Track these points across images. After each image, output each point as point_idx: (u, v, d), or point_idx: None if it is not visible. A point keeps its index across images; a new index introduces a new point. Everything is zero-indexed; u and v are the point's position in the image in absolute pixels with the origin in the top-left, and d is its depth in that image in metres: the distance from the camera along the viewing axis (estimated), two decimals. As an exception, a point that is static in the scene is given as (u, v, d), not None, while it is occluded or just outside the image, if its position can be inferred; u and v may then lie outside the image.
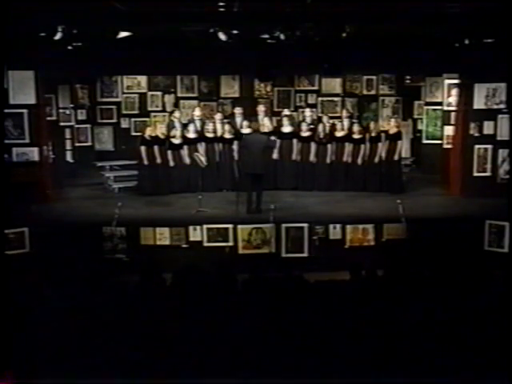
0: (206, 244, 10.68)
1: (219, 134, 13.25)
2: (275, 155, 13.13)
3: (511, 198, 10.11)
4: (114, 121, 16.23)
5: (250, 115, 13.87)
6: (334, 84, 15.91)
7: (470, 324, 5.90)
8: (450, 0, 9.55)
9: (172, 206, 12.02)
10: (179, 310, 6.27)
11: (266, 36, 10.89)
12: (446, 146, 13.94)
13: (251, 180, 11.47)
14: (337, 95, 15.99)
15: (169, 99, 16.03)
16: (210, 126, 13.25)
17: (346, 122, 13.48)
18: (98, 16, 10.09)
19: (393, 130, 13.06)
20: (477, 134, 12.38)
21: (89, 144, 15.85)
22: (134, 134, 15.78)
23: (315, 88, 15.98)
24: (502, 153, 12.27)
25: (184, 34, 11.01)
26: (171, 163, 12.88)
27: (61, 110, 14.50)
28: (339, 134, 13.24)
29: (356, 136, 13.09)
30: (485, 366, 5.29)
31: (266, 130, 13.07)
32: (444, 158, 13.72)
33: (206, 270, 7.70)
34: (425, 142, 15.04)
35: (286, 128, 13.39)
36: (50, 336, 5.67)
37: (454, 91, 13.48)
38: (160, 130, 13.13)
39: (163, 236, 10.65)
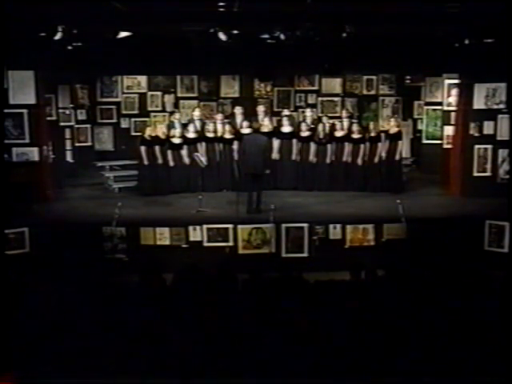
0: (206, 244, 10.68)
1: (219, 134, 13.25)
2: (275, 155, 13.13)
3: (511, 197, 10.11)
4: (114, 121, 16.22)
5: (250, 115, 13.87)
6: (334, 84, 15.91)
7: (470, 324, 5.90)
8: (450, 0, 9.55)
9: (172, 206, 12.01)
10: (179, 309, 6.27)
11: (266, 36, 10.89)
12: (446, 146, 13.93)
13: (251, 180, 11.46)
14: (337, 95, 15.98)
15: (169, 99, 16.02)
16: (210, 126, 13.27)
17: (345, 122, 13.48)
18: (97, 16, 10.08)
19: (393, 130, 13.06)
20: (477, 134, 12.38)
21: (89, 144, 15.84)
22: (134, 134, 15.77)
23: (315, 88, 15.97)
24: (502, 153, 12.27)
25: (184, 34, 11.01)
26: (171, 163, 12.89)
27: (61, 110, 14.48)
28: (339, 134, 13.24)
29: (356, 136, 13.09)
30: (485, 365, 5.29)
31: (265, 130, 13.07)
32: (444, 158, 13.71)
33: (206, 270, 7.71)
34: (425, 142, 15.04)
35: (286, 128, 13.39)
36: (49, 336, 5.67)
37: (454, 91, 13.47)
38: (160, 130, 13.13)
39: (163, 236, 10.64)
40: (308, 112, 14.13)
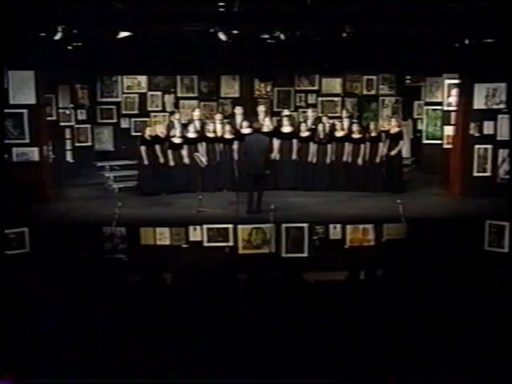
0: (206, 244, 10.68)
1: (219, 134, 13.25)
2: (275, 155, 13.12)
3: (511, 197, 10.11)
4: (114, 121, 16.23)
5: (250, 115, 13.87)
6: (334, 84, 15.92)
7: (470, 324, 5.90)
8: (450, 0, 9.56)
9: (172, 206, 12.01)
10: (179, 310, 6.27)
11: (266, 36, 10.89)
12: (446, 146, 13.93)
13: (253, 180, 11.44)
14: (337, 95, 15.99)
15: (169, 99, 16.03)
16: (210, 126, 13.28)
17: (345, 122, 13.48)
18: (98, 16, 10.09)
19: (393, 130, 13.06)
20: (477, 134, 12.38)
21: (89, 144, 15.85)
22: (134, 133, 15.78)
23: (315, 88, 15.99)
24: (502, 153, 12.27)
25: (184, 34, 11.01)
26: (171, 163, 12.89)
27: (61, 110, 14.50)
28: (339, 134, 13.24)
29: (356, 136, 13.10)
30: (485, 365, 5.29)
31: (266, 130, 13.06)
32: (444, 158, 13.71)
33: (206, 270, 7.70)
34: (425, 141, 15.05)
35: (286, 128, 13.39)
36: (49, 336, 5.67)
37: (454, 91, 13.47)
38: (159, 130, 13.14)
39: (163, 236, 10.64)
40: (310, 112, 14.16)
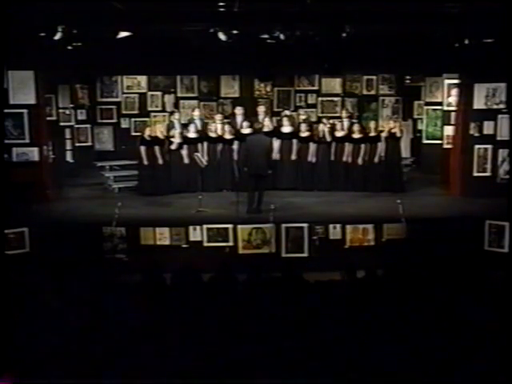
0: (205, 244, 10.68)
1: (219, 134, 13.25)
2: (275, 155, 13.12)
3: (511, 197, 10.11)
4: (114, 121, 16.23)
5: (250, 115, 13.87)
6: (334, 84, 15.92)
7: (469, 324, 5.90)
8: (450, 0, 9.57)
9: (172, 206, 12.01)
10: (179, 309, 6.28)
11: (266, 36, 10.89)
12: (446, 146, 13.94)
13: (254, 180, 11.42)
14: (337, 95, 15.99)
15: (169, 99, 16.03)
16: (210, 126, 13.29)
17: (345, 122, 13.49)
18: (97, 16, 10.09)
19: (393, 130, 13.06)
20: (477, 134, 12.38)
21: (89, 144, 15.85)
22: (134, 133, 15.78)
23: (315, 88, 15.99)
24: (502, 153, 12.27)
25: (184, 34, 11.01)
26: (171, 163, 12.88)
27: (61, 110, 14.50)
28: (339, 134, 13.24)
29: (356, 136, 13.10)
30: (485, 365, 5.29)
31: (266, 129, 13.06)
32: (444, 158, 13.71)
33: (205, 270, 7.71)
34: (425, 141, 15.06)
35: (286, 128, 13.40)
36: (49, 336, 5.67)
37: (454, 91, 13.48)
38: (158, 130, 13.15)
39: (163, 236, 10.64)
40: (303, 115, 14.24)
